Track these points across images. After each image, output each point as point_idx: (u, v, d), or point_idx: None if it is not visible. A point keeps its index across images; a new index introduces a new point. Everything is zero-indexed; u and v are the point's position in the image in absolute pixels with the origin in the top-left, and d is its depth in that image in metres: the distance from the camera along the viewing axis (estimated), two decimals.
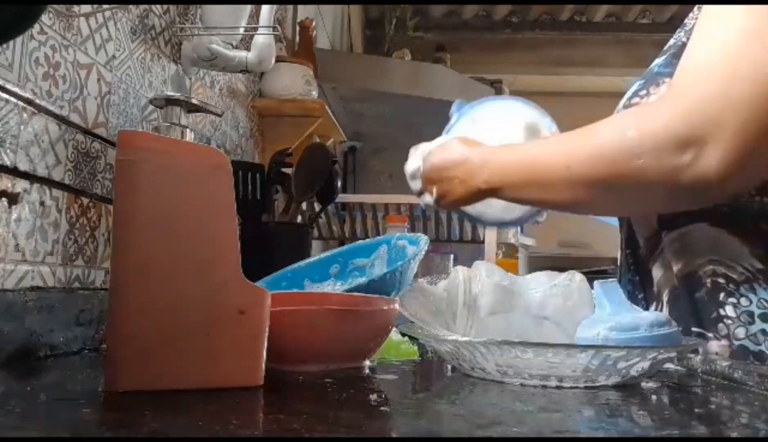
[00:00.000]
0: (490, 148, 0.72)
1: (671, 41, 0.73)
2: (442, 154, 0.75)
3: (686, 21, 0.73)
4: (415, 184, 0.79)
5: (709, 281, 0.65)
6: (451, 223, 1.98)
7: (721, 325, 0.64)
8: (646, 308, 0.72)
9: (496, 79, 3.14)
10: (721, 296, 0.64)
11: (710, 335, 0.64)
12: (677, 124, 0.54)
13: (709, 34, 0.56)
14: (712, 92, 0.53)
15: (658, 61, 0.72)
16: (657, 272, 0.71)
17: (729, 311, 0.63)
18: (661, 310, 0.70)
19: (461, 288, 0.61)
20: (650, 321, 0.53)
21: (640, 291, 0.74)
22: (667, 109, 0.56)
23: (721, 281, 0.64)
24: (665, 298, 0.70)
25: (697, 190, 0.55)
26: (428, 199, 0.77)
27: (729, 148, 0.52)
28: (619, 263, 0.81)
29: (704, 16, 0.58)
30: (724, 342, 0.63)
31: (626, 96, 0.72)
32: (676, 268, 0.68)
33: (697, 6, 0.70)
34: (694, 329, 0.66)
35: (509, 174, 0.68)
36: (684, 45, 0.65)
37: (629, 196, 0.61)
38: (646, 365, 0.52)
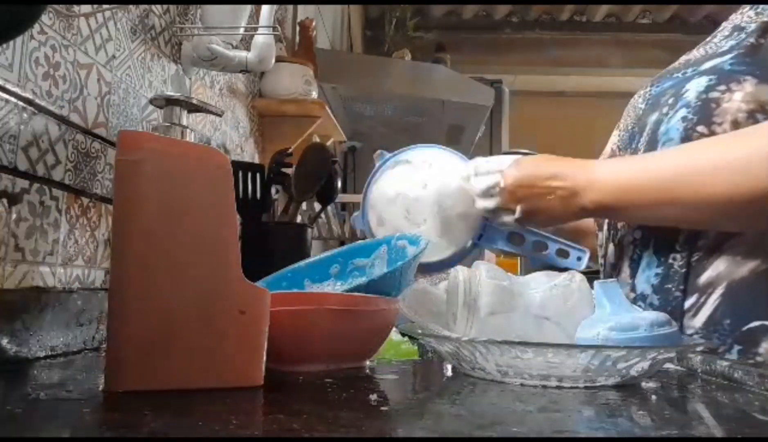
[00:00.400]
0: (593, 164, 0.72)
1: (728, 42, 0.74)
2: (531, 170, 0.73)
3: (739, 21, 0.74)
4: (489, 202, 0.76)
5: None
6: None
7: None
8: (682, 301, 0.72)
9: (496, 79, 3.15)
10: None
11: None
12: None
13: None
14: None
15: (721, 60, 0.72)
16: (719, 266, 0.70)
17: None
18: (704, 302, 0.70)
19: (461, 288, 0.61)
20: (650, 321, 0.54)
21: (680, 283, 0.72)
22: None
23: None
24: (720, 290, 0.69)
25: None
26: (507, 218, 0.75)
27: None
28: (621, 258, 0.79)
29: None
30: None
31: (697, 90, 0.71)
32: (751, 263, 0.68)
33: (751, 6, 0.73)
34: (761, 322, 0.67)
35: (630, 192, 0.68)
36: (753, 46, 0.69)
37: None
38: (646, 365, 0.52)
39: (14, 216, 0.64)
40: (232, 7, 1.05)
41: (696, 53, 0.79)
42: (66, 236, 0.73)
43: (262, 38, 1.12)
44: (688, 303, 0.71)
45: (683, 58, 0.81)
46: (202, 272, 0.46)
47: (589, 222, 0.89)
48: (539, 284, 0.63)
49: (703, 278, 0.71)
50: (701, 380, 0.59)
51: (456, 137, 2.55)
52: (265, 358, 0.48)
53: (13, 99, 0.64)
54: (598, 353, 0.50)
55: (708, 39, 0.81)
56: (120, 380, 0.44)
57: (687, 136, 0.70)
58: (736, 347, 0.67)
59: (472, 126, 2.40)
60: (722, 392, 0.53)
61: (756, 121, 0.67)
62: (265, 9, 1.10)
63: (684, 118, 0.71)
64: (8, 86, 0.63)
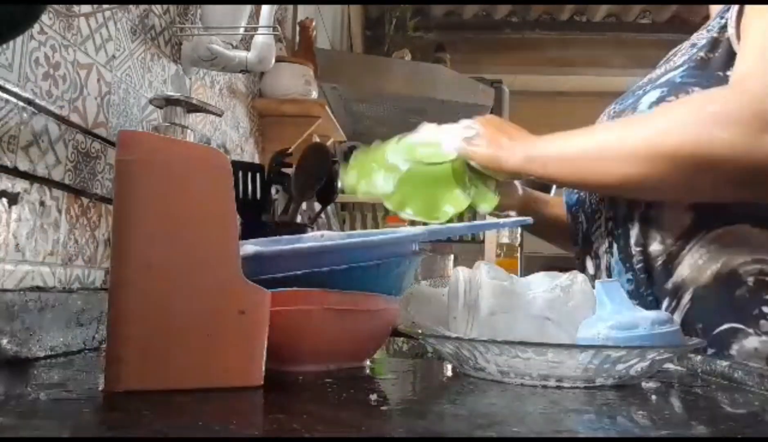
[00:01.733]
0: (529, 137, 0.78)
1: (681, 57, 0.77)
2: (501, 121, 0.82)
3: (694, 39, 0.78)
4: (468, 132, 0.80)
5: (752, 279, 0.68)
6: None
7: (763, 321, 0.67)
8: (657, 305, 0.73)
9: (496, 79, 3.14)
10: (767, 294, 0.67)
11: (750, 331, 0.67)
12: (756, 106, 0.58)
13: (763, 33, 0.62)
14: None
15: (674, 73, 0.75)
16: (683, 270, 0.71)
17: None
18: (676, 306, 0.72)
19: (462, 288, 0.61)
20: (651, 320, 0.54)
21: (647, 288, 0.74)
22: (743, 91, 0.60)
23: None
24: (688, 295, 0.71)
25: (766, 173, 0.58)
26: (460, 133, 0.79)
27: None
28: (599, 267, 0.82)
29: (756, 25, 0.64)
30: (765, 338, 0.66)
31: (649, 101, 0.74)
32: (712, 266, 0.69)
33: (711, 22, 0.76)
34: (729, 325, 0.68)
35: (553, 152, 0.73)
36: (702, 59, 0.72)
37: (700, 173, 0.62)
38: (646, 364, 0.52)
39: (14, 216, 0.64)
40: (232, 7, 1.05)
41: (658, 71, 0.82)
42: (66, 236, 0.73)
43: (262, 38, 1.12)
44: (663, 306, 0.73)
45: (646, 78, 0.84)
46: (202, 271, 0.46)
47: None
48: (540, 284, 0.63)
49: (670, 283, 0.73)
50: (701, 380, 0.59)
51: None
52: (265, 358, 0.48)
53: (13, 99, 0.64)
54: (598, 353, 0.50)
55: (670, 57, 0.84)
56: (120, 380, 0.44)
57: None
58: (710, 350, 0.68)
59: None
60: (722, 392, 0.53)
61: None
62: (265, 9, 1.10)
63: None
64: (8, 86, 0.63)
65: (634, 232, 0.75)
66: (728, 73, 0.70)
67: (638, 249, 0.75)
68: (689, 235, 0.71)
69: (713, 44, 0.73)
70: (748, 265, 0.68)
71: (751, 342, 0.66)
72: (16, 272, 0.65)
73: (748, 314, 0.67)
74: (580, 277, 0.63)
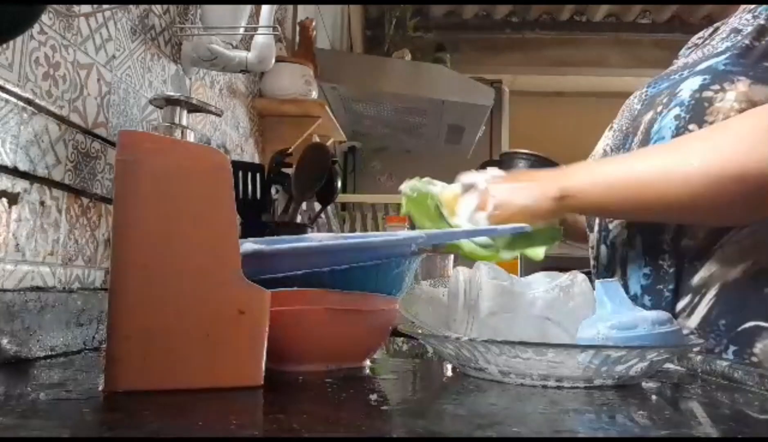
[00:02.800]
0: (563, 168, 0.74)
1: (724, 43, 0.74)
2: (508, 175, 0.78)
3: (736, 24, 0.74)
4: (471, 200, 0.77)
5: None
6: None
7: None
8: (673, 301, 0.72)
9: (496, 79, 3.15)
10: None
11: None
12: None
13: None
14: None
15: (716, 60, 0.72)
16: (710, 267, 0.70)
17: None
18: (698, 302, 0.71)
19: (462, 289, 0.61)
20: (651, 320, 0.54)
21: (669, 283, 0.73)
22: None
23: None
24: (713, 291, 0.70)
25: None
26: (481, 215, 0.75)
27: None
28: (613, 258, 0.80)
29: None
30: None
31: (691, 89, 0.72)
32: (743, 263, 0.69)
33: (759, 7, 0.73)
34: (754, 323, 0.67)
35: (597, 179, 0.70)
36: (747, 47, 0.70)
37: (753, 197, 0.61)
38: (645, 364, 0.52)
39: (14, 216, 0.64)
40: (232, 7, 1.05)
41: (694, 56, 0.80)
42: (66, 236, 0.73)
43: (262, 38, 1.12)
44: (681, 304, 0.72)
45: (681, 61, 0.82)
46: (202, 271, 0.46)
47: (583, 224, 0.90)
48: (540, 285, 0.63)
49: (696, 278, 0.71)
50: (701, 380, 0.59)
51: (456, 137, 2.55)
52: (265, 358, 0.48)
53: (13, 99, 0.64)
54: (598, 353, 0.50)
55: (707, 42, 0.81)
56: (120, 380, 0.44)
57: (678, 134, 0.71)
58: (732, 348, 0.68)
59: (472, 126, 2.40)
60: (722, 392, 0.53)
61: None
62: (265, 9, 1.10)
63: (677, 116, 0.71)
64: (8, 86, 0.63)
65: (670, 227, 0.73)
66: None
67: (671, 245, 0.73)
68: (724, 230, 0.70)
69: (760, 31, 0.71)
70: None
71: None
72: (16, 272, 0.65)
73: None
74: (580, 277, 0.63)
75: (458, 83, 2.13)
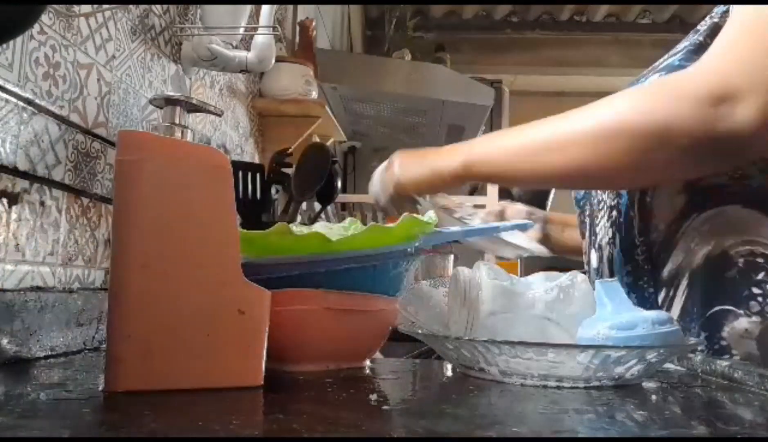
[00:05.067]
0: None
1: (684, 43, 0.77)
2: (411, 151, 0.81)
3: (699, 26, 0.77)
4: (382, 184, 0.82)
5: (742, 260, 0.67)
6: None
7: (753, 302, 0.66)
8: (655, 296, 0.73)
9: (496, 79, 3.15)
10: (761, 274, 0.67)
11: (740, 312, 0.67)
12: (713, 79, 0.58)
13: (739, 20, 0.62)
14: (746, 56, 0.58)
15: (674, 58, 0.75)
16: (677, 257, 0.72)
17: None
18: (674, 294, 0.72)
19: (462, 289, 0.61)
20: (651, 319, 0.54)
21: (650, 279, 0.74)
22: (702, 68, 0.60)
23: (760, 260, 0.67)
24: (684, 282, 0.71)
25: (728, 145, 0.58)
26: (384, 194, 0.80)
27: (762, 104, 0.56)
28: (601, 260, 0.81)
29: (735, 12, 0.64)
30: (755, 318, 0.66)
31: (648, 84, 0.74)
32: (704, 249, 0.70)
33: (715, 8, 0.75)
34: (720, 307, 0.68)
35: (499, 144, 0.72)
36: (701, 43, 0.72)
37: (654, 154, 0.61)
38: (646, 364, 0.52)
39: (14, 216, 0.64)
40: (232, 7, 1.05)
41: (661, 59, 0.82)
42: (66, 236, 0.73)
43: (262, 38, 1.12)
44: (660, 298, 0.73)
45: (651, 66, 0.84)
46: (202, 271, 0.46)
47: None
48: (540, 285, 0.63)
49: (666, 271, 0.73)
50: (701, 380, 0.59)
51: (456, 137, 2.55)
52: (265, 358, 0.48)
53: (13, 99, 0.64)
54: (598, 353, 0.50)
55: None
56: (120, 380, 0.44)
57: None
58: (702, 334, 0.69)
59: (472, 126, 2.40)
60: (722, 392, 0.53)
61: None
62: (265, 9, 1.10)
63: None
64: (8, 86, 0.63)
65: (636, 221, 0.75)
66: None
67: (641, 239, 0.75)
68: (682, 218, 0.71)
69: (713, 29, 0.73)
70: (738, 246, 0.68)
71: (742, 323, 0.66)
72: (16, 272, 0.65)
73: (739, 295, 0.67)
74: (580, 277, 0.63)
75: (458, 83, 2.13)
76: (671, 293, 0.72)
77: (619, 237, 0.78)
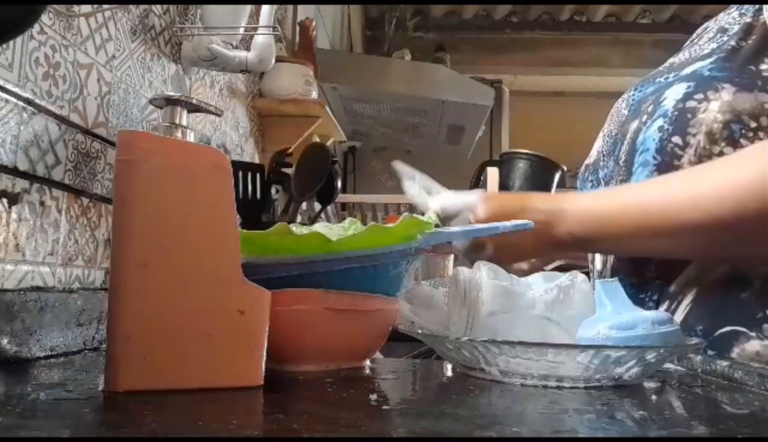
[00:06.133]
0: (562, 197, 0.71)
1: (709, 45, 0.72)
2: (500, 205, 0.73)
3: (725, 24, 0.72)
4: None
5: (759, 282, 0.65)
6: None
7: (766, 325, 0.64)
8: (656, 307, 0.72)
9: (496, 79, 3.15)
10: None
11: (752, 334, 0.65)
12: None
13: None
14: None
15: (702, 65, 0.70)
16: (689, 272, 0.70)
17: None
18: (675, 308, 0.70)
19: (462, 289, 0.61)
20: (651, 319, 0.53)
21: (654, 293, 0.73)
22: None
23: None
24: (690, 296, 0.69)
25: None
26: (479, 254, 0.74)
27: None
28: (605, 265, 0.80)
29: None
30: (767, 342, 0.64)
31: (674, 98, 0.70)
32: (720, 268, 0.68)
33: (744, 6, 0.70)
34: (731, 328, 0.66)
35: (604, 221, 0.68)
36: (734, 49, 0.67)
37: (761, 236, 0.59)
38: (646, 364, 0.52)
39: (14, 216, 0.64)
40: (232, 7, 1.05)
41: (681, 56, 0.77)
42: (66, 236, 0.73)
43: (262, 38, 1.12)
44: (663, 307, 0.72)
45: (669, 61, 0.79)
46: (202, 271, 0.46)
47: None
48: (540, 285, 0.63)
49: (673, 285, 0.71)
50: (701, 380, 0.59)
51: (456, 137, 2.55)
52: (265, 358, 0.48)
53: (13, 99, 0.64)
54: (598, 353, 0.50)
55: (694, 39, 0.79)
56: (120, 380, 0.44)
57: (662, 147, 0.69)
58: (710, 352, 0.67)
59: (472, 126, 2.40)
60: (722, 392, 0.53)
61: (731, 132, 0.65)
62: (265, 9, 1.10)
63: (660, 128, 0.70)
64: (8, 86, 0.63)
65: None
66: (762, 67, 0.66)
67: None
68: None
69: (746, 30, 0.68)
70: (757, 268, 0.66)
71: (753, 346, 0.65)
72: (16, 272, 0.65)
73: (752, 317, 0.65)
74: (580, 277, 0.63)
75: (458, 83, 2.13)
76: (672, 307, 0.71)
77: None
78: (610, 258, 0.79)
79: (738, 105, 0.65)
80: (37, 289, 0.67)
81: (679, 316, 0.70)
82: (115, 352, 0.44)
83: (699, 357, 0.63)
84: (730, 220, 0.59)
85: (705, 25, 0.80)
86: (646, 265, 0.73)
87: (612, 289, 0.57)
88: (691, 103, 0.68)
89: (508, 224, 0.68)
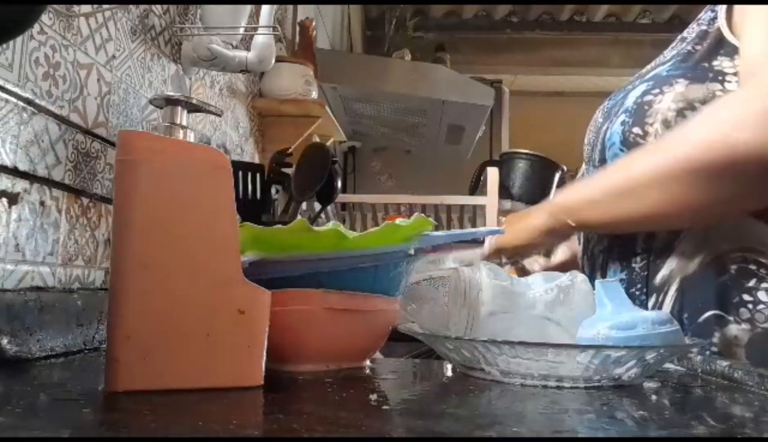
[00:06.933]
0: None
1: (670, 52, 0.78)
2: (509, 218, 0.89)
3: (685, 33, 0.78)
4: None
5: (735, 266, 0.68)
6: (451, 223, 1.98)
7: (743, 309, 0.67)
8: (646, 300, 0.74)
9: (496, 79, 3.14)
10: (752, 281, 0.67)
11: (731, 318, 0.67)
12: None
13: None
14: None
15: (662, 68, 0.75)
16: (671, 263, 0.72)
17: (762, 295, 0.66)
18: (663, 299, 0.72)
19: (462, 288, 0.61)
20: (651, 319, 0.54)
21: (643, 286, 0.74)
22: (762, 88, 0.59)
23: (752, 267, 0.67)
24: (674, 286, 0.71)
25: None
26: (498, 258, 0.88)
27: None
28: (594, 267, 0.82)
29: (755, 14, 0.64)
30: (744, 326, 0.66)
31: (632, 98, 0.75)
32: (699, 256, 0.70)
33: (702, 15, 0.76)
34: (712, 312, 0.68)
35: (582, 195, 0.75)
36: (689, 52, 0.72)
37: (727, 180, 0.61)
38: (646, 364, 0.52)
39: (14, 216, 0.64)
40: (232, 7, 1.05)
41: (648, 67, 0.82)
42: (66, 236, 0.73)
43: (262, 38, 1.12)
44: (650, 304, 0.74)
45: (636, 74, 0.84)
46: (202, 271, 0.46)
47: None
48: (540, 285, 0.63)
49: (658, 277, 0.73)
50: (701, 380, 0.59)
51: (456, 137, 2.55)
52: (265, 358, 0.48)
53: (13, 99, 0.64)
54: (598, 353, 0.50)
55: (665, 52, 0.83)
56: (120, 380, 0.44)
57: (625, 138, 0.74)
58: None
59: (472, 126, 2.40)
60: (722, 392, 0.53)
61: (684, 119, 0.69)
62: (265, 9, 1.10)
63: (623, 122, 0.74)
64: (8, 86, 0.63)
65: (641, 233, 0.75)
66: (714, 63, 0.70)
67: (643, 246, 0.75)
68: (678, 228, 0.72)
69: (701, 36, 0.73)
70: (733, 253, 0.68)
71: (731, 330, 0.67)
72: (16, 272, 0.65)
73: (730, 302, 0.67)
74: (579, 277, 0.63)
75: (458, 83, 2.13)
76: (660, 299, 0.73)
77: (617, 247, 0.78)
78: (597, 260, 0.81)
79: (690, 94, 0.69)
80: (37, 289, 0.67)
81: (666, 307, 0.72)
82: (115, 352, 0.44)
83: (699, 357, 0.63)
84: (697, 155, 0.61)
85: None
86: (633, 258, 0.76)
87: (612, 289, 0.57)
88: (648, 97, 0.73)
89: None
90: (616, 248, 0.78)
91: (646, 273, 0.74)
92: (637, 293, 0.75)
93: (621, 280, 0.76)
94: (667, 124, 0.70)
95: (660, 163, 0.64)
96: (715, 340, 0.67)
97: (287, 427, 0.37)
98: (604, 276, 0.79)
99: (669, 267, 0.72)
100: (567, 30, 3.84)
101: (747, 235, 0.68)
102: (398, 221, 0.61)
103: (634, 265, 0.75)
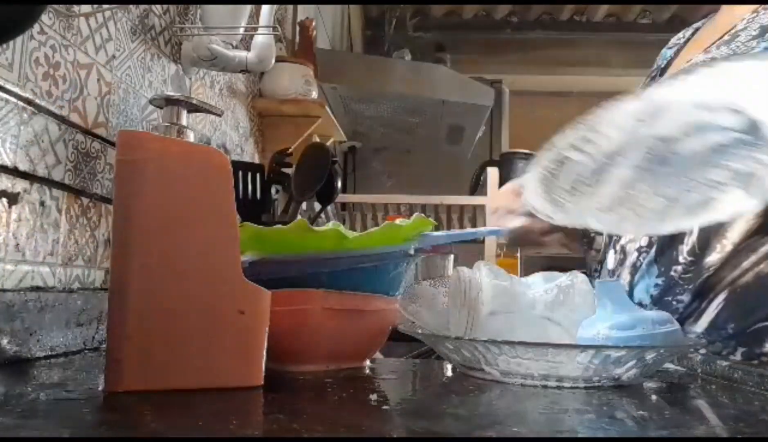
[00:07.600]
0: None
1: (763, 43, 0.71)
2: None
3: (748, 30, 0.72)
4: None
5: None
6: (451, 223, 1.98)
7: None
8: (687, 304, 0.71)
9: (496, 79, 3.14)
10: None
11: None
12: None
13: None
14: None
15: (755, 43, 0.69)
16: (722, 271, 0.70)
17: None
18: (706, 307, 0.70)
19: (462, 288, 0.61)
20: (651, 319, 0.54)
21: (681, 293, 0.72)
22: None
23: None
24: (722, 296, 0.69)
25: None
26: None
27: None
28: (622, 264, 0.79)
29: None
30: None
31: None
32: (757, 267, 0.68)
33: (742, 20, 0.71)
34: (763, 324, 0.67)
35: None
36: None
37: None
38: (645, 364, 0.52)
39: (14, 216, 0.64)
40: (232, 7, 1.05)
41: (719, 52, 0.75)
42: (66, 236, 0.73)
43: (262, 38, 1.12)
44: (689, 309, 0.71)
45: (701, 58, 0.78)
46: (202, 271, 0.46)
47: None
48: (540, 285, 0.63)
49: (705, 284, 0.70)
50: (701, 380, 0.59)
51: (456, 137, 2.55)
52: (265, 358, 0.48)
53: (13, 99, 0.64)
54: (598, 353, 0.50)
55: (726, 39, 0.77)
56: (120, 380, 0.44)
57: None
58: (740, 349, 0.67)
59: (472, 126, 2.40)
60: (722, 392, 0.53)
61: None
62: (265, 9, 1.10)
63: None
64: (8, 86, 0.63)
65: (691, 239, 0.72)
66: None
67: (690, 259, 0.72)
68: (747, 238, 0.69)
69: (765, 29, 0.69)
70: None
71: None
72: (16, 272, 0.65)
73: None
74: (580, 277, 0.63)
75: (458, 83, 2.13)
76: (703, 305, 0.70)
77: (659, 249, 0.74)
78: (628, 257, 0.78)
79: None
80: (37, 289, 0.67)
81: (709, 315, 0.70)
82: (115, 352, 0.44)
83: (699, 357, 0.63)
84: None
85: (694, 26, 0.82)
86: (674, 267, 0.73)
87: (612, 289, 0.57)
88: None
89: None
90: (657, 250, 0.75)
91: (688, 274, 0.71)
92: (672, 301, 0.72)
93: (656, 285, 0.73)
94: None
95: None
96: (766, 349, 0.66)
97: (287, 427, 0.37)
98: (632, 275, 0.77)
99: (719, 275, 0.70)
100: (567, 30, 3.84)
101: None
102: (398, 221, 0.61)
103: (673, 274, 0.72)
